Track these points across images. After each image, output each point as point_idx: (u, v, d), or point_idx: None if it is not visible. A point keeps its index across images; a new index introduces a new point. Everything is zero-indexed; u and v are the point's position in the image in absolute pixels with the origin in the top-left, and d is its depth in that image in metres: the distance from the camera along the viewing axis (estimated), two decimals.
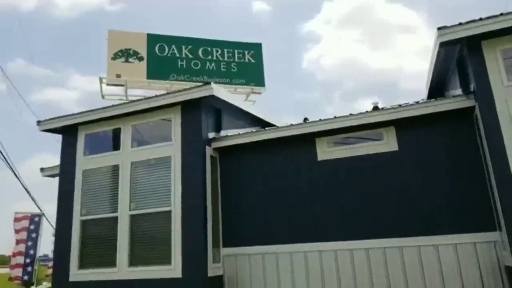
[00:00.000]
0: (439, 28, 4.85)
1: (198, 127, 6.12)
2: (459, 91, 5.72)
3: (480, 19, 4.71)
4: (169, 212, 5.97)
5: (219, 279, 5.91)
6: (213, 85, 5.90)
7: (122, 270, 6.06)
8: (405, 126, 5.48)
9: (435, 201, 5.13)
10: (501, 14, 4.61)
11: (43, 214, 16.06)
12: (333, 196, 5.65)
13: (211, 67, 14.09)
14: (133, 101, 6.54)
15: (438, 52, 5.19)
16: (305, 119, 6.29)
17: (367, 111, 5.54)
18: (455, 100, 5.13)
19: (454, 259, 4.88)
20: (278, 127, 6.11)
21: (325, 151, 5.86)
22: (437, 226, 5.05)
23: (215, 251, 5.92)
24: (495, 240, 4.73)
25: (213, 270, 5.76)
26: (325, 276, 5.43)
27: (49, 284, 15.49)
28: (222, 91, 6.31)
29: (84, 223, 6.59)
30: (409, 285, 5.02)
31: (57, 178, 7.45)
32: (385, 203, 5.36)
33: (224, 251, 6.06)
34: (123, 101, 7.77)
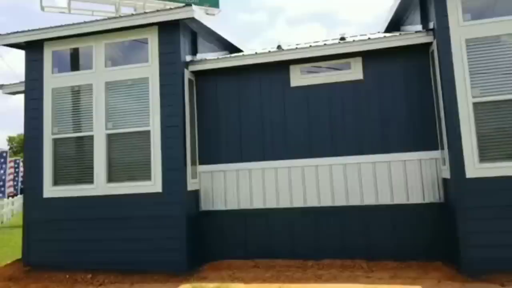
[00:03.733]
0: None
1: (177, 49, 6.20)
2: (417, 28, 6.36)
3: None
4: (148, 132, 6.22)
5: (196, 193, 6.46)
6: (194, 7, 5.93)
7: (101, 186, 6.34)
8: (370, 57, 6.07)
9: (390, 125, 5.94)
10: None
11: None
12: (303, 119, 6.25)
13: None
14: (108, 18, 6.36)
15: None
16: (279, 46, 6.61)
17: (339, 42, 6.01)
18: (417, 35, 5.74)
19: (402, 173, 5.84)
20: (256, 53, 6.39)
21: (298, 78, 6.33)
22: (390, 146, 5.91)
23: (192, 168, 6.37)
24: (436, 158, 5.72)
25: (191, 185, 6.26)
26: (292, 187, 6.19)
27: None
28: (201, 14, 6.35)
29: (56, 141, 6.62)
30: (364, 195, 5.95)
31: (17, 96, 7.23)
32: (348, 126, 6.08)
33: (200, 168, 6.55)
34: (96, 18, 7.46)
